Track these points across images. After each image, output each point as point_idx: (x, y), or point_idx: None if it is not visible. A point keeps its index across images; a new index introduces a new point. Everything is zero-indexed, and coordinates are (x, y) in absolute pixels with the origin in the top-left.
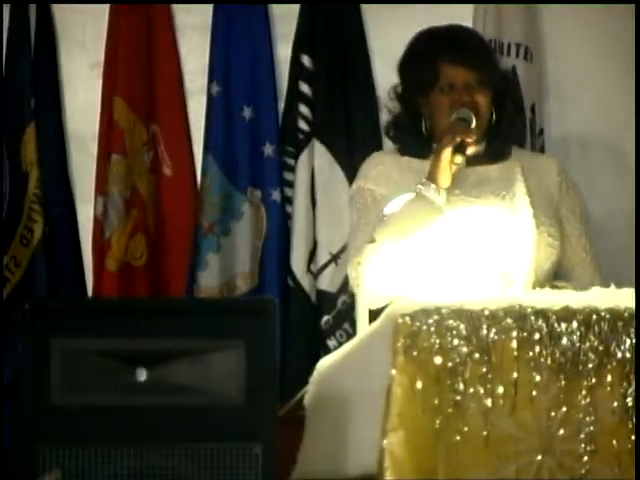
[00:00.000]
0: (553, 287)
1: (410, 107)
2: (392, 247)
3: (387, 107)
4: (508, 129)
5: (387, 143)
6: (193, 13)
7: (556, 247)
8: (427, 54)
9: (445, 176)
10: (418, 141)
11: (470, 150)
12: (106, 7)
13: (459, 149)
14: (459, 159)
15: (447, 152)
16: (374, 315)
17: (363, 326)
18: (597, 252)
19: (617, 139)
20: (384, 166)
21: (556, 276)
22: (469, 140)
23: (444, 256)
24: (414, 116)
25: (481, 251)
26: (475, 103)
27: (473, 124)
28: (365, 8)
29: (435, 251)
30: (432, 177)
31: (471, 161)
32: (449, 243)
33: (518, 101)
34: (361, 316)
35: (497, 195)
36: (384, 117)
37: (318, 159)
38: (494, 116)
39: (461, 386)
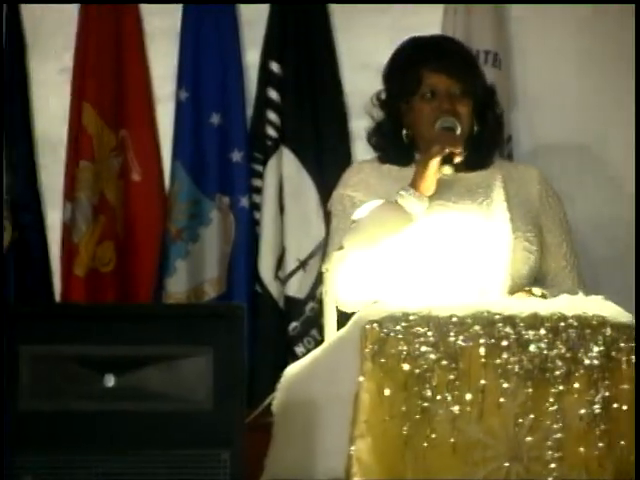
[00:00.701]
0: (529, 293)
1: (392, 114)
2: (361, 254)
3: (370, 114)
4: (489, 139)
5: (356, 149)
6: (162, 19)
7: (533, 252)
8: (411, 61)
9: (429, 185)
10: (399, 148)
11: (456, 160)
12: (75, 12)
13: (447, 160)
14: (448, 170)
15: (435, 162)
16: (342, 322)
17: (331, 333)
18: (580, 262)
19: (585, 146)
20: (364, 174)
21: (536, 284)
22: (457, 151)
23: (421, 261)
24: (396, 123)
25: (458, 256)
26: (456, 112)
27: (458, 132)
28: (334, 15)
29: (411, 257)
30: (416, 185)
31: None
32: (426, 248)
33: (499, 112)
34: (329, 323)
35: (475, 201)
36: (353, 124)
37: (286, 166)
38: (475, 126)
39: (429, 393)
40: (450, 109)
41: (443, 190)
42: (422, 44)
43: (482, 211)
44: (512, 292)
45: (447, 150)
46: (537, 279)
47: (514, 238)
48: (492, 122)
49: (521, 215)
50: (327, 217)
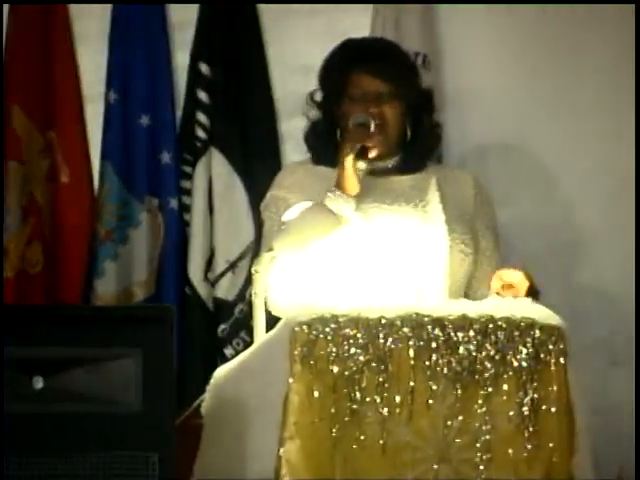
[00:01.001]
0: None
1: (326, 115)
2: (293, 256)
3: (306, 114)
4: (423, 144)
5: (285, 151)
6: (91, 20)
7: (469, 254)
8: (341, 63)
9: (352, 183)
10: (331, 149)
11: (371, 154)
12: (5, 14)
13: (360, 155)
14: (362, 165)
15: (349, 160)
16: (271, 323)
17: (260, 334)
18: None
19: (515, 147)
20: (298, 175)
21: (468, 288)
22: (369, 144)
23: (356, 264)
24: (330, 124)
25: (395, 259)
26: (382, 114)
27: (372, 127)
28: (265, 17)
29: (345, 259)
30: (339, 185)
31: (385, 172)
32: (362, 251)
33: (435, 117)
34: (258, 324)
35: (409, 203)
36: (283, 126)
37: (216, 167)
38: (408, 130)
39: (358, 394)
40: (374, 112)
41: (377, 193)
42: (353, 46)
43: (417, 213)
44: (449, 294)
45: (358, 145)
46: (470, 283)
47: (450, 240)
48: (426, 126)
49: (457, 218)
50: (257, 219)
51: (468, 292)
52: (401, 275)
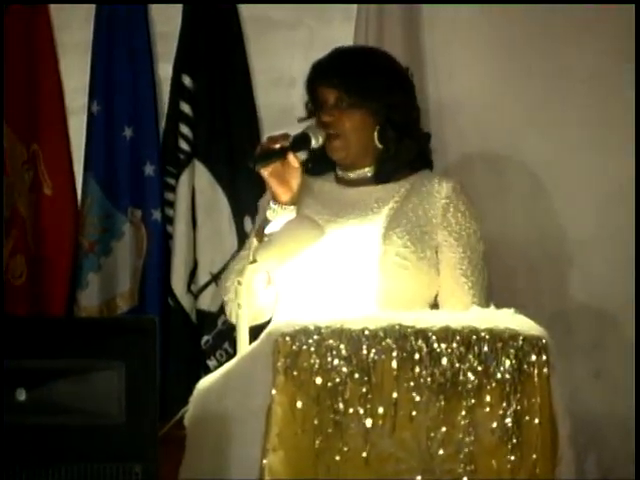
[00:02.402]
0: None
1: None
2: (272, 268)
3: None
4: (393, 155)
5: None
6: (74, 32)
7: (408, 267)
8: (310, 77)
9: (279, 191)
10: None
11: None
12: None
13: (261, 159)
14: (259, 169)
15: (266, 169)
16: (255, 335)
17: (243, 346)
18: (486, 278)
19: (497, 159)
20: None
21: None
22: (272, 145)
23: (299, 276)
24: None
25: (331, 270)
26: (339, 123)
27: (314, 142)
28: (248, 29)
29: (298, 272)
30: (273, 197)
31: (359, 182)
32: (306, 263)
33: (410, 128)
34: (241, 336)
35: (360, 215)
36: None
37: (199, 179)
38: (376, 140)
39: (341, 406)
40: (327, 122)
41: (339, 204)
42: (321, 59)
43: (363, 225)
44: (393, 307)
45: (258, 150)
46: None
47: (383, 252)
48: (393, 137)
49: (403, 229)
50: (240, 230)
51: (438, 303)
52: (332, 286)
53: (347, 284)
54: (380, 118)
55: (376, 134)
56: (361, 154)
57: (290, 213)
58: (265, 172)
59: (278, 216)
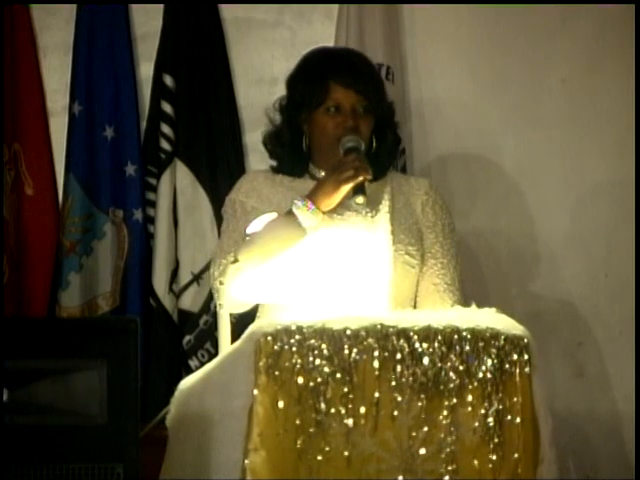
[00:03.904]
0: None
1: (293, 122)
2: (254, 266)
3: (270, 118)
4: (385, 156)
5: (250, 163)
6: (55, 33)
7: (415, 266)
8: (319, 72)
9: (331, 204)
10: (294, 157)
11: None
12: None
13: (361, 190)
14: (360, 200)
15: (347, 187)
16: (236, 335)
17: (225, 346)
18: (459, 263)
19: (478, 159)
20: (257, 182)
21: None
22: (368, 177)
23: (303, 273)
24: (295, 132)
25: (340, 269)
26: (359, 129)
27: (362, 149)
28: (228, 29)
29: (293, 269)
30: (316, 200)
31: None
32: (312, 261)
33: (396, 131)
34: (223, 336)
35: (360, 213)
36: (247, 137)
37: (180, 179)
38: (374, 143)
39: (323, 406)
40: (354, 127)
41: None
42: (331, 55)
43: (366, 223)
44: (395, 305)
45: (361, 178)
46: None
47: (394, 251)
48: (390, 140)
49: (405, 228)
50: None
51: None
52: (344, 285)
53: (358, 282)
54: (379, 122)
55: (373, 135)
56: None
57: (317, 219)
58: (344, 191)
59: (302, 215)
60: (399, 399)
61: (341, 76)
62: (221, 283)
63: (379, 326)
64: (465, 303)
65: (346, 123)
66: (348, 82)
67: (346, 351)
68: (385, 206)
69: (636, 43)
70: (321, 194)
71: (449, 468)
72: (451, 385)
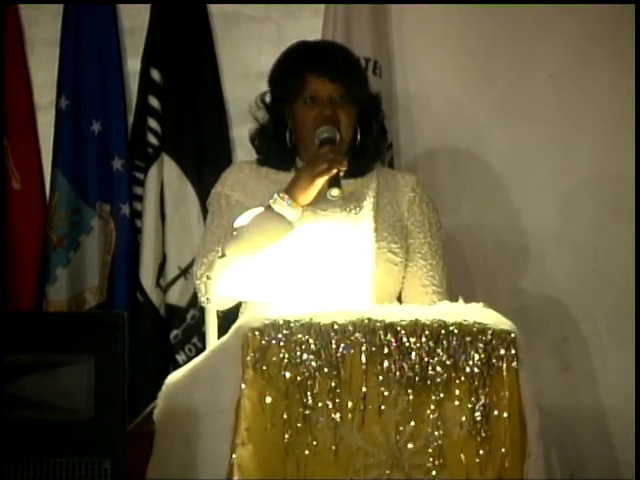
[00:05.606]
0: None
1: (276, 118)
2: (241, 261)
3: (254, 115)
4: (371, 148)
5: (237, 157)
6: (42, 27)
7: (397, 263)
8: (295, 65)
9: (308, 197)
10: (281, 152)
11: (341, 176)
12: None
13: (336, 182)
14: (335, 192)
15: (322, 180)
16: (224, 329)
17: (212, 340)
18: (446, 263)
19: (466, 152)
20: (242, 175)
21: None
22: (343, 169)
23: (285, 268)
24: (279, 127)
25: (323, 265)
26: (336, 118)
27: (337, 139)
28: (216, 23)
29: (279, 265)
30: (293, 193)
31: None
32: (295, 257)
33: (383, 123)
34: (210, 330)
35: (344, 209)
36: (235, 131)
37: (167, 173)
38: (358, 135)
39: (310, 400)
40: (330, 116)
41: (315, 197)
42: (308, 48)
43: (349, 219)
44: (376, 302)
45: (334, 170)
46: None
47: (377, 248)
48: (375, 131)
49: (389, 225)
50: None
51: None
52: (326, 281)
53: (340, 279)
54: (361, 113)
55: (358, 128)
56: (344, 149)
57: (296, 213)
58: (320, 185)
59: (281, 210)
60: (386, 393)
61: (316, 66)
62: (208, 278)
63: (366, 321)
64: (452, 300)
65: (322, 113)
66: (323, 71)
67: (333, 345)
68: (369, 202)
69: (636, 43)
70: (297, 188)
71: (436, 462)
72: (438, 380)
